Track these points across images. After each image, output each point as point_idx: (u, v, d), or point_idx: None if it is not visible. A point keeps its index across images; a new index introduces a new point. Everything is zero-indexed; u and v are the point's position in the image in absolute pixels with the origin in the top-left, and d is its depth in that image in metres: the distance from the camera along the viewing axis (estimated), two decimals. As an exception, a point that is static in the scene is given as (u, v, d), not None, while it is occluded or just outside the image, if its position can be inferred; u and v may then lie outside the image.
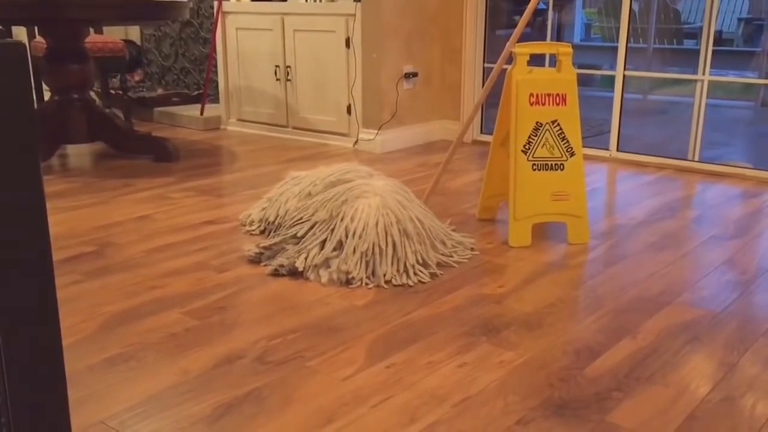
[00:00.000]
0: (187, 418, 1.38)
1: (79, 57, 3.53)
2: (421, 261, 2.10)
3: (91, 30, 4.42)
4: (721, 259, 2.27)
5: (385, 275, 2.03)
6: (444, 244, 2.24)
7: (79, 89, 3.56)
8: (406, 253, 2.07)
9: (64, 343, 1.69)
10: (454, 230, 2.42)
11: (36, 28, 4.45)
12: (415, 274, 2.06)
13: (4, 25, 3.93)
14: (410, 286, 2.03)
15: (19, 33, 4.84)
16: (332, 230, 2.09)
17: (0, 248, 0.82)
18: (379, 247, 2.04)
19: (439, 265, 2.15)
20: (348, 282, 2.03)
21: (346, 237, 2.06)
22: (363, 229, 2.05)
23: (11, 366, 0.85)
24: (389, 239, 2.06)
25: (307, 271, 2.07)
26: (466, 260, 2.23)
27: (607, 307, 1.91)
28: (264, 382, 1.52)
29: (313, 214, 2.15)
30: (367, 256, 2.04)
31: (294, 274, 2.09)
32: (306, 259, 2.08)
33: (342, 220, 2.09)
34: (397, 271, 2.05)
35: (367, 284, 2.02)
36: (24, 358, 0.86)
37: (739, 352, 1.66)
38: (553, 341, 1.71)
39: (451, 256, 2.21)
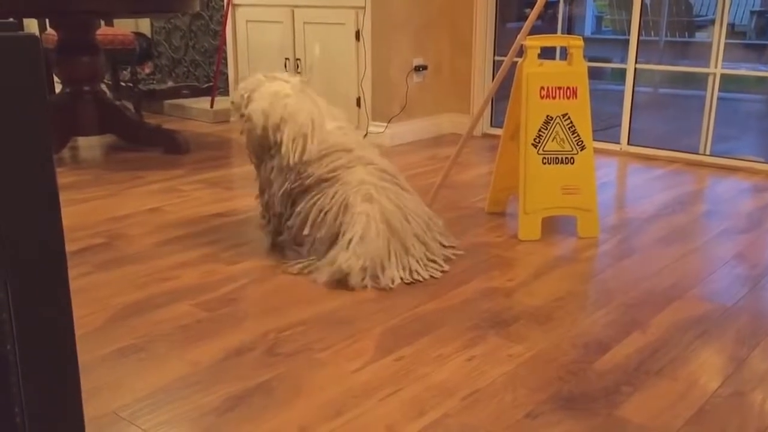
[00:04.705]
0: (197, 410, 1.39)
1: (90, 49, 3.54)
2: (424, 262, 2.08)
3: (102, 22, 4.43)
4: (731, 253, 2.26)
5: (393, 279, 2.00)
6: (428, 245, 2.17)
7: (90, 82, 3.57)
8: (409, 261, 2.05)
9: (76, 334, 1.70)
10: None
11: (47, 21, 4.46)
12: (425, 269, 2.05)
13: (16, 17, 3.94)
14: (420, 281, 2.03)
15: (31, 25, 4.85)
16: (333, 243, 2.06)
17: (15, 240, 0.82)
18: (381, 265, 2.02)
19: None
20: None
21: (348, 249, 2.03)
22: (364, 244, 2.01)
23: (25, 356, 0.86)
24: (392, 254, 2.04)
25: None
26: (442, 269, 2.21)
27: (616, 301, 1.90)
28: (273, 374, 1.53)
29: (311, 227, 2.08)
30: (371, 270, 2.00)
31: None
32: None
33: (343, 235, 2.02)
34: (404, 270, 2.03)
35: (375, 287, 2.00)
36: (37, 349, 0.87)
37: (749, 347, 1.66)
38: (562, 335, 1.71)
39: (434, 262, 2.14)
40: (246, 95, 2.21)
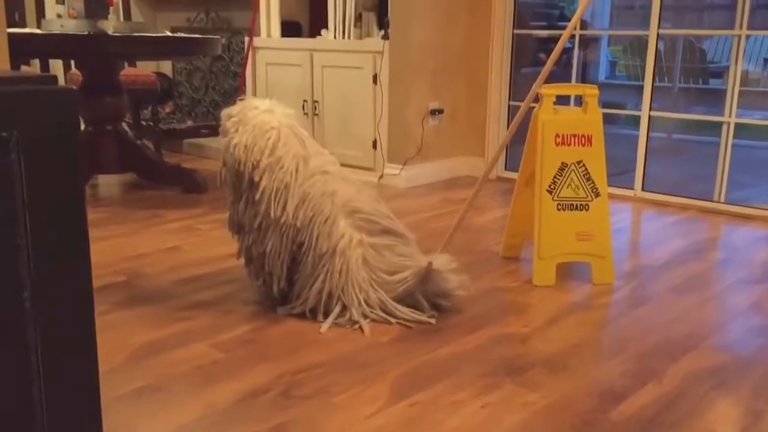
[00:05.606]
0: (212, 452, 1.40)
1: (114, 90, 3.62)
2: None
3: (125, 63, 4.54)
4: (747, 302, 2.25)
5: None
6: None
7: (113, 121, 3.64)
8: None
9: (94, 372, 1.72)
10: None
11: (72, 62, 4.57)
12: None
13: (43, 58, 4.05)
14: (433, 324, 2.03)
15: (55, 65, 4.97)
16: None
17: (45, 282, 0.85)
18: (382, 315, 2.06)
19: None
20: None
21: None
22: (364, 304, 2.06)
23: (50, 396, 0.88)
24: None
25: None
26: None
27: (631, 350, 1.90)
28: (289, 417, 1.53)
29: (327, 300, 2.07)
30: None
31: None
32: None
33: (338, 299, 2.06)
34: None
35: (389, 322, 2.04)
36: (62, 389, 0.89)
37: (765, 399, 1.64)
38: (577, 383, 1.71)
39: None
40: (234, 121, 2.09)
